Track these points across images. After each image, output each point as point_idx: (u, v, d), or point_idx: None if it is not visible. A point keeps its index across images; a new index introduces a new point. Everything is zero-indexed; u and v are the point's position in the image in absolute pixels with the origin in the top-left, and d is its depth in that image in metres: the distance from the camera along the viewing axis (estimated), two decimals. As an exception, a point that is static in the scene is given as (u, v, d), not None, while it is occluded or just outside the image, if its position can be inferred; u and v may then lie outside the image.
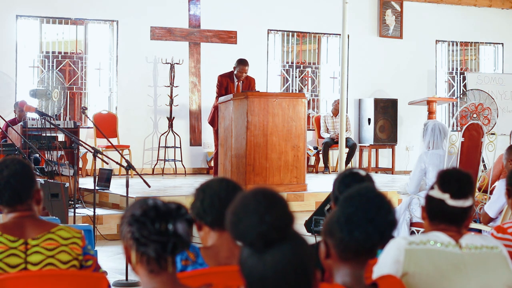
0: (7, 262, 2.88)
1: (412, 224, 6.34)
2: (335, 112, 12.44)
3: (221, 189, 2.75)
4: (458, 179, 2.73)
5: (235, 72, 9.35)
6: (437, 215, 2.73)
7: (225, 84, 9.35)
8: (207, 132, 11.92)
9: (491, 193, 5.95)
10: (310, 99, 13.27)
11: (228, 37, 12.50)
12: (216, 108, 9.45)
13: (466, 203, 2.72)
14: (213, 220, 2.73)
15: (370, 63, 13.45)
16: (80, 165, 10.92)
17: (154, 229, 2.09)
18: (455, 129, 11.61)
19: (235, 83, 9.37)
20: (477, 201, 6.06)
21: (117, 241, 7.09)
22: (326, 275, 2.33)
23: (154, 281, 2.13)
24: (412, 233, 6.26)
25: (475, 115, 9.26)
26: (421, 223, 4.11)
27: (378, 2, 13.63)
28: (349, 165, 11.95)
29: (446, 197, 2.71)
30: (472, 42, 14.53)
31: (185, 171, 11.96)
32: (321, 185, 9.80)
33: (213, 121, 9.55)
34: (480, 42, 14.59)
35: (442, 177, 2.76)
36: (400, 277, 2.55)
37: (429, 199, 2.76)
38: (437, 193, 2.73)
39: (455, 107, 14.11)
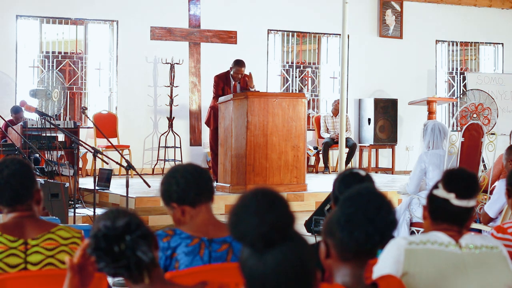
0: (7, 262, 2.88)
1: (412, 224, 6.34)
2: (335, 112, 12.43)
3: (187, 169, 2.95)
4: (464, 179, 2.72)
5: (231, 73, 9.31)
6: (440, 215, 2.72)
7: (221, 84, 9.32)
8: (207, 132, 11.89)
9: (491, 193, 5.95)
10: (310, 99, 13.27)
11: (228, 37, 12.50)
12: (212, 109, 9.42)
13: (471, 203, 2.71)
14: (195, 195, 2.90)
15: (370, 63, 13.45)
16: (80, 165, 10.92)
17: (110, 260, 2.12)
18: (455, 129, 11.62)
19: (231, 83, 9.35)
20: (477, 201, 6.06)
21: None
22: (326, 275, 2.33)
23: (140, 287, 2.17)
24: (412, 233, 6.26)
25: (475, 115, 9.26)
26: (421, 223, 4.11)
27: (378, 2, 13.62)
28: (349, 165, 11.95)
29: (451, 196, 2.70)
30: (472, 42, 14.53)
31: (185, 171, 11.94)
32: (321, 185, 9.80)
33: (209, 122, 9.52)
34: (480, 42, 14.59)
35: (448, 176, 2.75)
36: (400, 277, 2.55)
37: (432, 198, 2.75)
38: (441, 193, 2.72)
39: (455, 107, 14.11)
